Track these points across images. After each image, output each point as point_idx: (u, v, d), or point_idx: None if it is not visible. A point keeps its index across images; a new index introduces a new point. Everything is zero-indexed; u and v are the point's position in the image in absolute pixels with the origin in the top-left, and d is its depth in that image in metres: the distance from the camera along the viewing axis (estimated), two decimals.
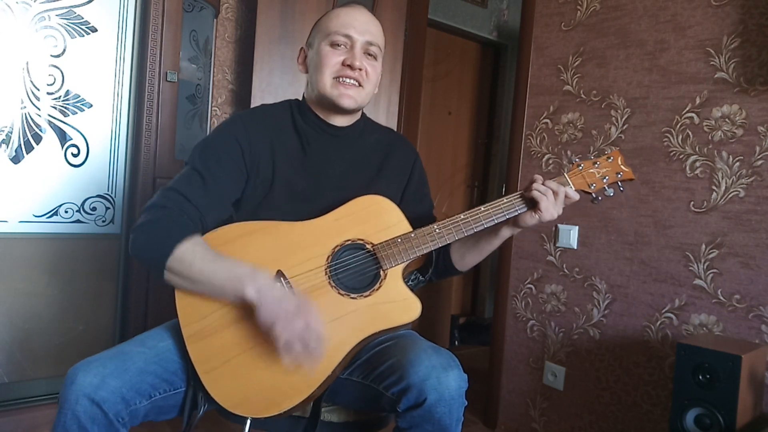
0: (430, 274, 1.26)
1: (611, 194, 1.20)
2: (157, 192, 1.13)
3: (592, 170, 1.19)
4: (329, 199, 1.18)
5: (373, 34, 1.22)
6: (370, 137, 1.32)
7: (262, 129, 1.22)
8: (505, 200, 1.15)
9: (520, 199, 1.15)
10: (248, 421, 1.10)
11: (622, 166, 1.20)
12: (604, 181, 1.19)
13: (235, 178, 1.18)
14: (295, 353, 0.98)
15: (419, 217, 1.29)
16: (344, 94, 1.19)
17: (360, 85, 1.21)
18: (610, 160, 1.20)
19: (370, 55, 1.22)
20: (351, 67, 1.19)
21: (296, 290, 1.08)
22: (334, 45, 1.20)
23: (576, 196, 1.16)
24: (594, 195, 1.20)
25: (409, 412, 1.00)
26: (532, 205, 1.14)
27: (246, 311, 1.05)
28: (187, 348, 1.07)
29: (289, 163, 1.22)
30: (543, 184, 1.14)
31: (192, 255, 1.05)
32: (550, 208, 1.13)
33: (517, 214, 1.15)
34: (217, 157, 1.16)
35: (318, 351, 0.99)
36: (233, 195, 1.19)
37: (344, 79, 1.19)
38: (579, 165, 1.19)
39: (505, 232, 1.21)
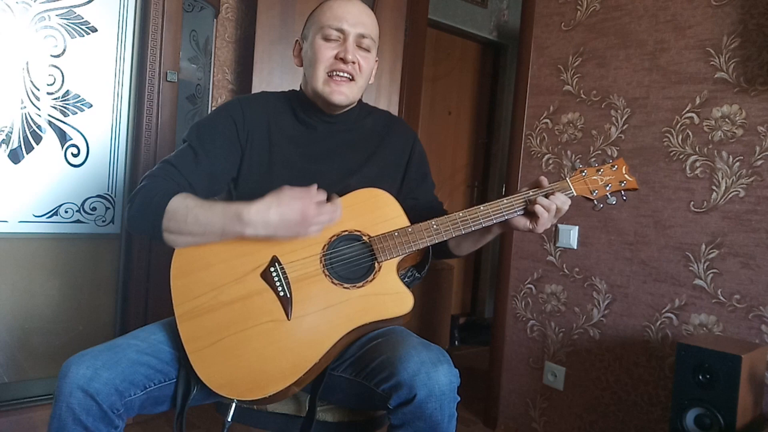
0: (427, 268, 1.27)
1: (613, 202, 1.20)
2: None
3: (594, 177, 1.19)
4: (327, 179, 1.19)
5: (365, 25, 1.22)
6: (367, 120, 1.34)
7: (259, 109, 1.25)
8: (505, 201, 1.16)
9: (521, 201, 1.16)
10: (233, 405, 1.10)
11: (626, 175, 1.20)
12: (607, 188, 1.19)
13: (228, 154, 1.20)
14: (320, 227, 1.08)
15: (421, 198, 1.31)
16: (336, 91, 1.21)
17: (353, 79, 1.22)
18: (614, 169, 1.20)
19: (363, 47, 1.23)
20: (344, 60, 1.20)
21: (289, 265, 1.11)
22: (326, 38, 1.21)
23: (565, 208, 1.16)
24: (596, 202, 1.19)
25: (400, 408, 1.00)
26: (530, 213, 1.14)
27: (240, 293, 1.08)
28: (178, 327, 1.08)
29: (286, 144, 1.24)
30: (549, 198, 1.13)
31: (185, 207, 1.07)
32: (546, 224, 1.14)
33: (515, 215, 1.16)
34: (212, 134, 1.19)
35: (333, 210, 1.08)
36: (226, 171, 1.21)
37: (337, 73, 1.20)
38: (582, 171, 1.19)
39: (496, 230, 1.22)
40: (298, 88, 1.33)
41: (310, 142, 1.26)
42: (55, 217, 1.88)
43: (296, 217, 1.05)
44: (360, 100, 1.34)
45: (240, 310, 1.08)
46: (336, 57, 1.20)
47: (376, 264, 1.13)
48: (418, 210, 1.20)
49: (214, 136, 1.19)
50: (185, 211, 1.07)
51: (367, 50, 1.24)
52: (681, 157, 1.82)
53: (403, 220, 1.16)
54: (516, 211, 1.15)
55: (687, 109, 1.82)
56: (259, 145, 1.22)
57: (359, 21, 1.21)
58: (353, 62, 1.20)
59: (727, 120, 1.73)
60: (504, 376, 2.32)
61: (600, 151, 2.03)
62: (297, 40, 1.32)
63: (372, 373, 1.07)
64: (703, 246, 1.76)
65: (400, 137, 1.34)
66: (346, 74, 1.21)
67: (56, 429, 0.97)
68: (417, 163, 1.35)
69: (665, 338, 1.84)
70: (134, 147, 2.01)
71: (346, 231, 1.14)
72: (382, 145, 1.31)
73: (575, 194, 1.17)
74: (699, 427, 1.48)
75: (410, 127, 1.41)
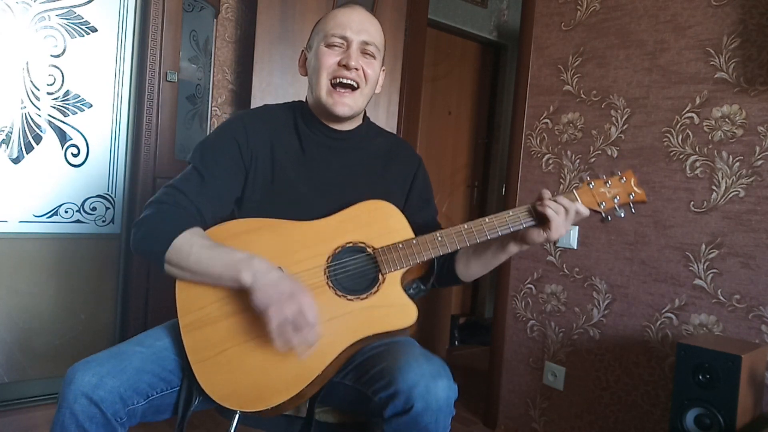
0: (432, 281, 1.25)
1: (622, 215, 1.16)
2: (159, 189, 1.15)
3: (602, 189, 1.16)
4: (330, 203, 1.18)
5: (370, 33, 1.21)
6: (373, 142, 1.32)
7: (262, 128, 1.22)
8: (511, 213, 1.13)
9: (526, 213, 1.13)
10: (236, 416, 1.10)
11: (634, 188, 1.16)
12: (615, 201, 1.16)
13: (233, 175, 1.19)
14: (286, 337, 0.99)
15: (422, 222, 1.28)
16: (339, 102, 1.19)
17: (357, 87, 1.20)
18: (622, 181, 1.16)
19: (367, 54, 1.21)
20: (347, 67, 1.18)
21: (294, 276, 1.07)
22: (330, 46, 1.20)
23: (586, 213, 1.14)
24: (604, 215, 1.16)
25: (396, 418, 0.99)
26: (540, 221, 1.12)
27: (244, 304, 1.06)
28: (182, 337, 1.08)
29: (289, 163, 1.22)
30: (555, 200, 1.11)
31: (189, 245, 1.06)
32: (560, 227, 1.10)
33: (522, 228, 1.13)
34: (216, 155, 1.18)
35: (310, 336, 0.99)
36: (232, 192, 1.20)
37: (341, 79, 1.19)
38: (590, 183, 1.16)
39: (512, 248, 1.19)
40: (302, 98, 1.31)
41: (313, 163, 1.24)
42: (55, 217, 1.88)
43: (286, 291, 1.00)
44: (368, 119, 1.33)
45: (244, 321, 1.07)
46: (339, 64, 1.18)
47: (380, 276, 1.11)
48: (419, 235, 1.16)
49: (218, 158, 1.17)
50: (189, 248, 1.06)
51: (372, 56, 1.22)
52: (681, 157, 1.82)
53: (407, 232, 1.15)
54: (522, 223, 1.12)
55: (687, 109, 1.82)
56: (262, 165, 1.20)
57: (363, 28, 1.20)
58: (357, 69, 1.19)
59: (727, 120, 1.73)
60: (504, 376, 2.32)
61: (600, 151, 2.03)
62: (303, 50, 1.30)
63: (371, 380, 1.06)
64: (703, 246, 1.76)
65: (404, 163, 1.32)
66: (349, 81, 1.19)
67: None
68: (419, 188, 1.33)
69: (665, 338, 1.84)
70: (134, 147, 2.01)
71: (351, 242, 1.13)
72: (385, 172, 1.29)
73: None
74: (699, 427, 1.48)
75: (415, 151, 1.39)
